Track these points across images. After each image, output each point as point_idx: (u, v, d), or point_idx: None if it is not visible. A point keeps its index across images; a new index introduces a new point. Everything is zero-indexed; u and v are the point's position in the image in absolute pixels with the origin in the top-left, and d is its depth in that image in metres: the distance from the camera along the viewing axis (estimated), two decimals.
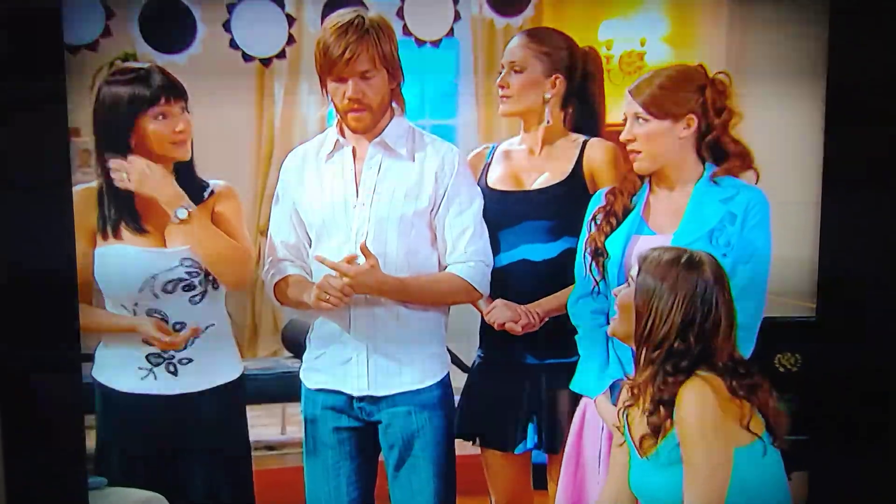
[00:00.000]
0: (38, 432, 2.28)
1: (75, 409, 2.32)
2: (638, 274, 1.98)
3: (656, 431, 1.95)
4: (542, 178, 2.36)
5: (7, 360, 2.23)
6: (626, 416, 2.05)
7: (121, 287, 2.21)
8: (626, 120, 2.17)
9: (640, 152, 2.15)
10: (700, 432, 1.91)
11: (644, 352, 1.98)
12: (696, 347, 1.96)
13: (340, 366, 2.25)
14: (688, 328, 1.95)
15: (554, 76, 2.34)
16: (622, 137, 2.15)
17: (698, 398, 1.92)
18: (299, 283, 2.31)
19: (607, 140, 2.39)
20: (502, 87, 2.34)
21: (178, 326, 2.27)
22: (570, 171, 2.34)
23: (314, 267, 2.32)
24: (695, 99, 2.14)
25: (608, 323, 2.26)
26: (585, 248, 2.26)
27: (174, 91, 2.18)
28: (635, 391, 2.04)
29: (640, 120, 2.13)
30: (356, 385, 2.23)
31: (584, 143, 2.37)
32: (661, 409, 1.93)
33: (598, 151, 2.34)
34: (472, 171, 2.41)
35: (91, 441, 2.33)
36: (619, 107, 2.24)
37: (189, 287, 2.23)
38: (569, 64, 2.35)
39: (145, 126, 2.17)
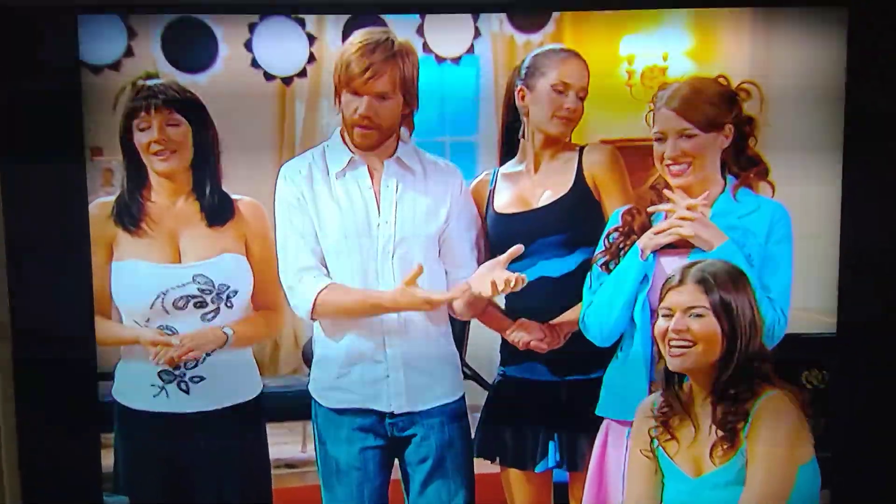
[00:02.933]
0: (55, 451, 2.30)
1: (91, 427, 2.34)
2: (709, 298, 1.97)
3: (733, 436, 1.93)
4: (546, 194, 2.36)
5: (25, 378, 2.27)
6: (661, 442, 2.03)
7: (133, 302, 2.24)
8: (659, 138, 2.17)
9: (688, 165, 2.16)
10: (774, 451, 1.89)
11: (723, 374, 1.97)
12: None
13: (371, 384, 2.26)
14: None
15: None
16: (669, 157, 2.15)
17: (779, 415, 1.91)
18: (347, 290, 2.30)
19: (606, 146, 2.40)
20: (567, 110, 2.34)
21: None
22: (573, 181, 2.34)
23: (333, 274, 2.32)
24: (730, 109, 2.15)
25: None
26: (600, 266, 2.25)
27: (162, 101, 2.20)
28: (672, 422, 2.02)
29: (686, 135, 2.14)
30: (395, 403, 2.25)
31: (581, 150, 2.37)
32: (739, 409, 1.91)
33: (596, 156, 2.35)
34: (478, 198, 2.42)
35: (110, 459, 2.35)
36: (637, 120, 2.24)
37: (201, 304, 2.25)
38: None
39: (135, 136, 2.22)
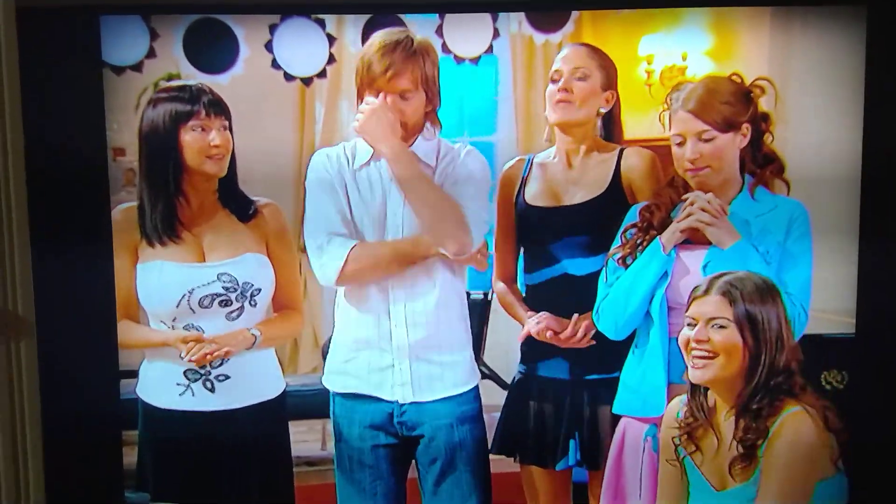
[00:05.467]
0: (78, 449, 2.33)
1: (114, 426, 2.36)
2: (733, 310, 1.96)
3: (751, 452, 1.92)
4: (580, 193, 2.36)
5: (49, 375, 2.29)
6: (687, 452, 2.03)
7: (159, 302, 2.26)
8: (679, 142, 2.17)
9: (707, 168, 2.16)
10: (790, 467, 1.88)
11: (747, 387, 1.97)
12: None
13: (377, 371, 2.28)
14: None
15: (609, 91, 2.35)
16: (689, 159, 2.16)
17: (799, 434, 1.90)
18: (377, 243, 2.30)
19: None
20: (566, 91, 2.33)
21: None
22: (609, 183, 2.34)
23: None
24: (746, 107, 2.15)
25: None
26: (616, 260, 2.26)
27: (215, 106, 2.23)
28: (696, 433, 2.02)
29: (705, 139, 2.14)
30: (399, 393, 2.25)
31: (620, 152, 2.37)
32: (759, 426, 1.91)
33: (635, 160, 2.35)
34: (509, 184, 2.42)
35: (133, 457, 2.37)
36: (649, 119, 2.25)
37: (226, 302, 2.27)
38: (615, 80, 2.37)
39: (183, 137, 2.22)
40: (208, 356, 2.30)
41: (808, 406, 1.97)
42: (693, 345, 2.03)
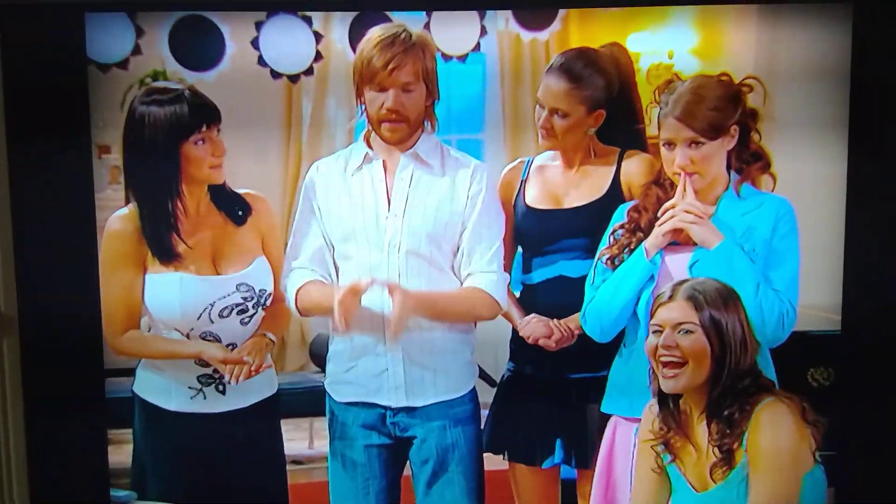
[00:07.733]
0: (62, 446, 2.32)
1: (98, 423, 2.35)
2: (699, 315, 1.96)
3: (729, 457, 1.92)
4: (579, 196, 2.36)
5: (32, 373, 2.28)
6: (672, 460, 2.03)
7: (179, 314, 2.25)
8: (668, 144, 2.17)
9: (696, 174, 2.16)
10: (776, 457, 1.88)
11: (713, 392, 1.97)
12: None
13: (374, 377, 2.27)
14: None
15: (597, 112, 2.33)
16: (679, 165, 2.15)
17: (777, 421, 1.90)
18: (321, 286, 2.30)
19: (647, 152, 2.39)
20: (546, 129, 2.32)
21: (229, 348, 2.30)
22: (608, 187, 2.34)
23: (342, 267, 2.32)
24: (735, 109, 2.14)
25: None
26: (604, 262, 2.26)
27: (213, 116, 2.22)
28: (673, 442, 2.02)
29: (694, 144, 2.14)
30: (393, 397, 2.25)
31: (621, 155, 2.36)
32: (734, 432, 1.91)
33: (636, 165, 2.34)
34: (509, 187, 2.41)
35: (122, 455, 2.36)
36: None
37: (243, 311, 2.28)
38: (608, 94, 2.34)
39: (187, 152, 2.21)
40: (252, 373, 2.30)
41: (782, 396, 1.97)
42: (661, 351, 2.01)
